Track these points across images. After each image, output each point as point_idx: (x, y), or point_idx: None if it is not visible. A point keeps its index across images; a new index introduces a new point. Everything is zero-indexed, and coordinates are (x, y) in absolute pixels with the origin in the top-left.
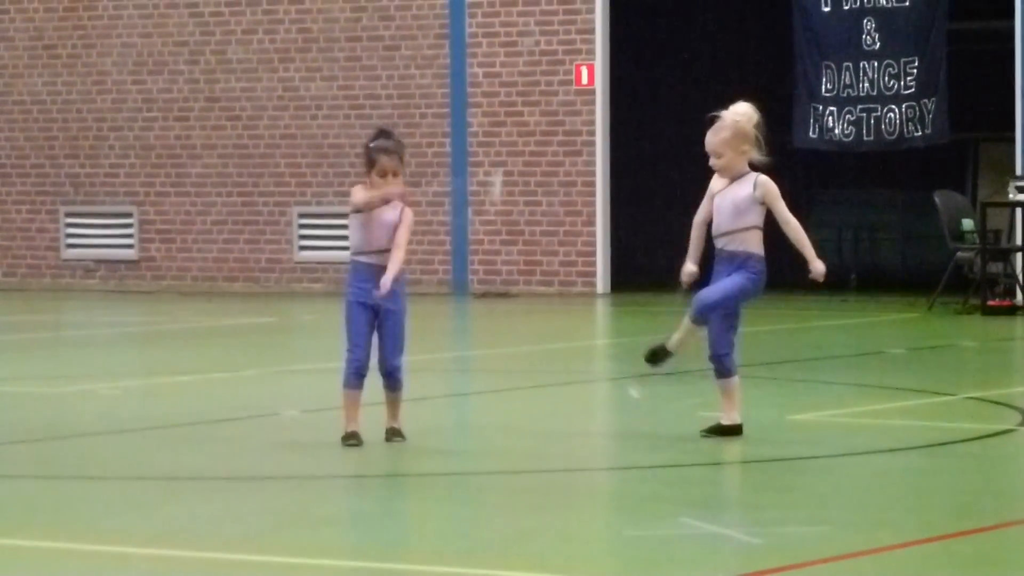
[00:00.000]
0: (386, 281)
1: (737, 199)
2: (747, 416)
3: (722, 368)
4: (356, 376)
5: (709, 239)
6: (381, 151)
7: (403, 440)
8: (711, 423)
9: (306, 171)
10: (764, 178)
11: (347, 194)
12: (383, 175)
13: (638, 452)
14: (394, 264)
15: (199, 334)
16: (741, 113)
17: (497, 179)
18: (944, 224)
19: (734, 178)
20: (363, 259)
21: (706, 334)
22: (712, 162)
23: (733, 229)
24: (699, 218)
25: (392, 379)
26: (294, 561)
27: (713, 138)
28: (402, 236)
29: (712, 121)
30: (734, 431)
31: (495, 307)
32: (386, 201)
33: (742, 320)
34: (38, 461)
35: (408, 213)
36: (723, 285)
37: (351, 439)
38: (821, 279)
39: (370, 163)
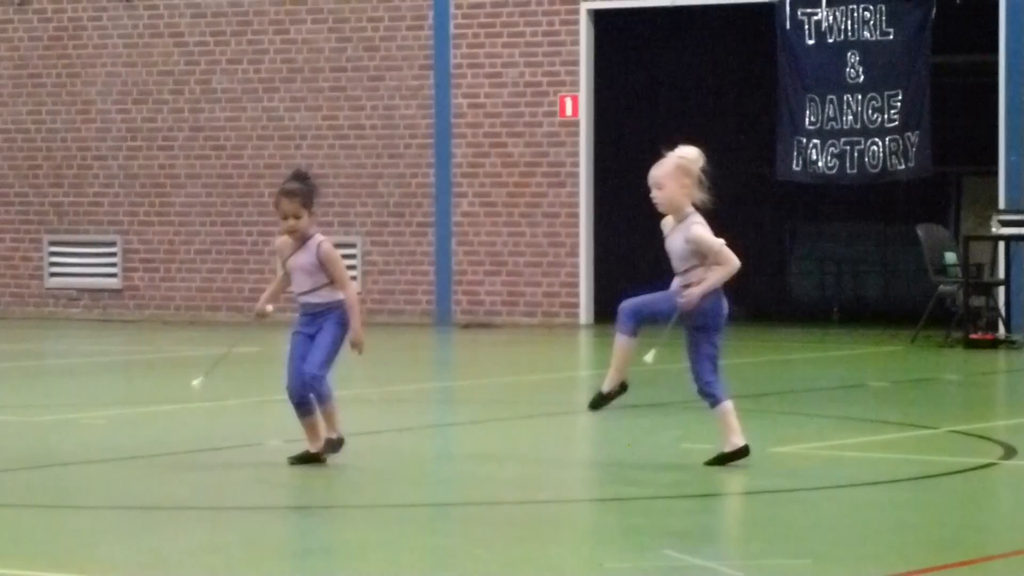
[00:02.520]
0: (360, 339)
1: (679, 247)
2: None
3: (710, 398)
4: (295, 406)
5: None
6: (281, 194)
7: (334, 451)
8: (693, 454)
9: None
10: (693, 231)
11: (331, 224)
12: (284, 217)
13: (620, 484)
14: (355, 316)
15: (182, 363)
16: (686, 153)
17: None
18: (927, 257)
19: (678, 219)
20: (298, 299)
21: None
22: (653, 194)
23: (681, 270)
24: None
25: (312, 390)
26: None
27: (655, 171)
28: (339, 274)
29: (657, 159)
30: (738, 455)
31: (478, 338)
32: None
33: (722, 350)
34: (20, 490)
35: (324, 249)
36: (645, 296)
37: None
38: (684, 305)
39: (275, 205)
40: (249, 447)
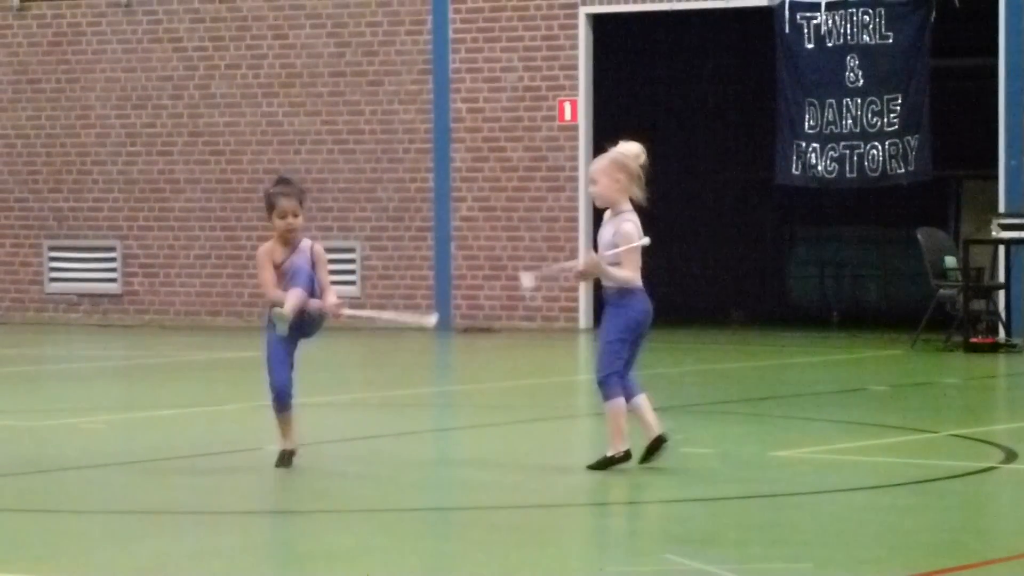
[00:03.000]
0: (332, 300)
1: (608, 239)
2: (729, 452)
3: (601, 392)
4: (275, 399)
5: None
6: (279, 194)
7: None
8: (693, 458)
9: None
10: (624, 227)
11: (330, 229)
12: (283, 216)
13: (620, 488)
14: (330, 295)
15: (182, 368)
16: (625, 149)
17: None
18: (927, 261)
19: (614, 213)
20: None
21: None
22: (588, 188)
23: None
24: None
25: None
26: None
27: (592, 166)
28: (327, 279)
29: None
30: (615, 461)
31: (477, 342)
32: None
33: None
34: (20, 495)
35: (318, 250)
36: (599, 354)
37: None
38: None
39: (270, 207)
40: (248, 451)
